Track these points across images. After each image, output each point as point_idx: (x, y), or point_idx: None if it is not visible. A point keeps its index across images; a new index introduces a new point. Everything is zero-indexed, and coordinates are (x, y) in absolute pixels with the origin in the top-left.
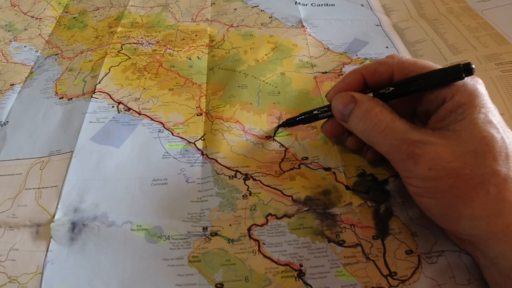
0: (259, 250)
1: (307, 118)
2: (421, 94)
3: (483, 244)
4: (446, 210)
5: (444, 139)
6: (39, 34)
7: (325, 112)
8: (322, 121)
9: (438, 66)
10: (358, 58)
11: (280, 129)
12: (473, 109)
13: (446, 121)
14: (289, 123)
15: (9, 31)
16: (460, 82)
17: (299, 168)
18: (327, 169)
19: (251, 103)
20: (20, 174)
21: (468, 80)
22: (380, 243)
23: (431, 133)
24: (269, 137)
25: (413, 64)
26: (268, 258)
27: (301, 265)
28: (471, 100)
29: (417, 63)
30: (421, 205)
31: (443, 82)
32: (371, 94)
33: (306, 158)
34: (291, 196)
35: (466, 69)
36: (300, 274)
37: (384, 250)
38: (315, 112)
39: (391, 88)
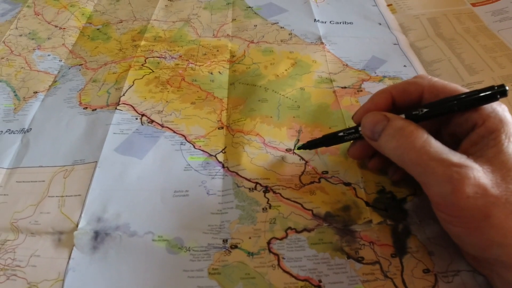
0: (278, 264)
1: (331, 140)
2: (450, 117)
3: (506, 269)
4: (478, 239)
5: (480, 166)
6: (63, 44)
7: (352, 134)
8: None
9: (467, 90)
10: (377, 75)
11: (300, 142)
12: (504, 137)
13: (478, 147)
14: (310, 145)
15: (32, 39)
16: (489, 108)
17: (319, 182)
18: (347, 184)
19: (271, 117)
20: (43, 181)
21: (496, 106)
22: (398, 261)
23: (467, 158)
24: (289, 149)
25: (444, 87)
26: (288, 273)
27: (320, 281)
28: (502, 127)
29: (447, 86)
30: (450, 232)
31: (478, 103)
32: (402, 116)
33: (326, 172)
34: (311, 210)
35: (500, 91)
36: None
37: (402, 268)
38: (340, 134)
39: (425, 110)
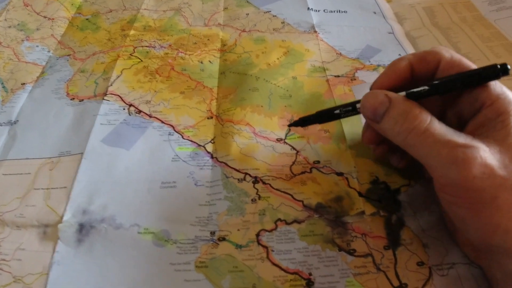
0: (267, 257)
1: (325, 117)
2: (455, 96)
3: (508, 257)
4: (483, 222)
5: (487, 146)
6: (52, 35)
7: (349, 112)
8: (334, 124)
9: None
10: (371, 64)
11: (291, 132)
12: None
13: (485, 128)
14: (303, 121)
15: (21, 30)
16: (499, 90)
17: (311, 172)
18: (340, 174)
19: (262, 106)
20: (29, 173)
21: (505, 89)
22: (391, 253)
23: (473, 138)
24: (280, 139)
25: (459, 60)
26: (277, 265)
27: (310, 274)
28: (511, 109)
29: (462, 61)
30: (454, 215)
31: (479, 81)
32: (403, 94)
33: (318, 162)
34: (302, 201)
35: (503, 69)
36: (309, 283)
37: (395, 261)
38: (336, 111)
39: (426, 88)
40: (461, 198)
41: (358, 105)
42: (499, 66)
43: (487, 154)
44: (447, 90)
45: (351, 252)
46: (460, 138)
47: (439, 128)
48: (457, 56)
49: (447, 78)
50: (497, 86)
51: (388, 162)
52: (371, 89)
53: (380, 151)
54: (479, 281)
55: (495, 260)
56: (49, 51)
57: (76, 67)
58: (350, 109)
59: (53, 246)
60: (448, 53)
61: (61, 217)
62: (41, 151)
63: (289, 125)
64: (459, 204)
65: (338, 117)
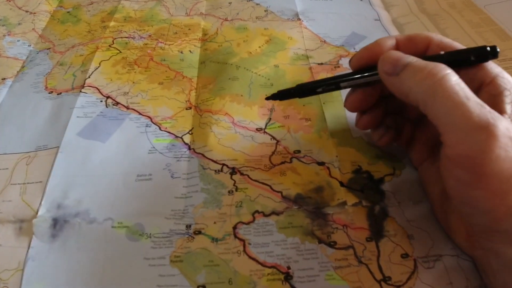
0: (244, 250)
1: (305, 91)
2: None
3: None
4: (496, 204)
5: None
6: (33, 29)
7: (330, 88)
8: (316, 112)
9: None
10: (356, 51)
11: (272, 121)
12: None
13: (492, 107)
14: (282, 95)
15: (3, 25)
16: (496, 69)
17: (291, 162)
18: (321, 163)
19: (241, 95)
20: (7, 169)
21: (500, 69)
22: (374, 245)
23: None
24: (260, 129)
25: (450, 44)
26: (254, 259)
27: (288, 268)
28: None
29: (453, 44)
30: (460, 196)
31: (469, 62)
32: None
33: (299, 151)
34: (281, 192)
35: (492, 52)
36: (287, 277)
37: (378, 253)
38: (319, 89)
39: None
40: (476, 174)
41: (342, 84)
42: (488, 49)
43: (509, 125)
44: None
45: (332, 245)
46: (485, 104)
47: (468, 89)
48: (447, 40)
49: (432, 57)
50: (493, 65)
51: (371, 151)
52: (350, 61)
53: (364, 121)
54: (468, 273)
55: (494, 249)
56: (29, 45)
57: (56, 60)
58: (333, 87)
59: (28, 242)
60: (438, 37)
61: (36, 212)
62: (18, 146)
63: (266, 98)
64: (475, 185)
65: (318, 92)
